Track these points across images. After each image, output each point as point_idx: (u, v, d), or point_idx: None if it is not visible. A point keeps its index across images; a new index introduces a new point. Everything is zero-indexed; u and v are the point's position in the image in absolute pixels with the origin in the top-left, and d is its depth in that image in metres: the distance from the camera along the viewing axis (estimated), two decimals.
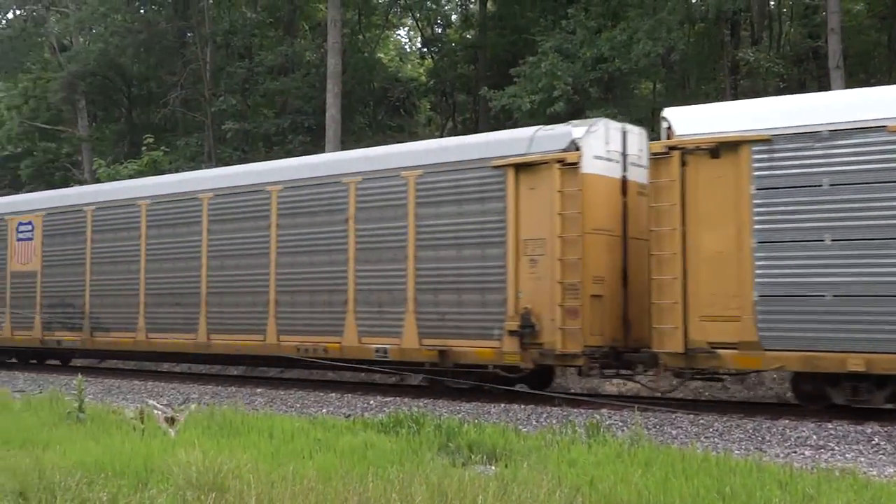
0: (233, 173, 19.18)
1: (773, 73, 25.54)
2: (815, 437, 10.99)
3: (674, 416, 12.50)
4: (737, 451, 10.01)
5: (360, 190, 16.08)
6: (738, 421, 12.12)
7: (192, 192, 18.84)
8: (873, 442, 10.63)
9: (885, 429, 11.18)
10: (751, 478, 7.67)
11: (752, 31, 29.34)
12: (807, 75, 28.13)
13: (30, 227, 22.26)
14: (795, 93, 22.80)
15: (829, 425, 11.56)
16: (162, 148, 31.38)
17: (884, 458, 9.90)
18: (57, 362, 24.13)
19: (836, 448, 10.40)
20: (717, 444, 10.62)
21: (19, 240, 22.49)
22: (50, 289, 21.62)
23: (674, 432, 11.57)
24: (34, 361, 24.28)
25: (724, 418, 12.33)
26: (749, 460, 8.56)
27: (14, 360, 23.88)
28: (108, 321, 20.15)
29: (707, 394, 15.92)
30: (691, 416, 12.53)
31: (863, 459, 9.73)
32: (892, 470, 9.08)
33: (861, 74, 26.96)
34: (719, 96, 26.42)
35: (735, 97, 25.01)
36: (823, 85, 23.94)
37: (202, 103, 34.04)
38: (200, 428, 10.46)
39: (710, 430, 11.67)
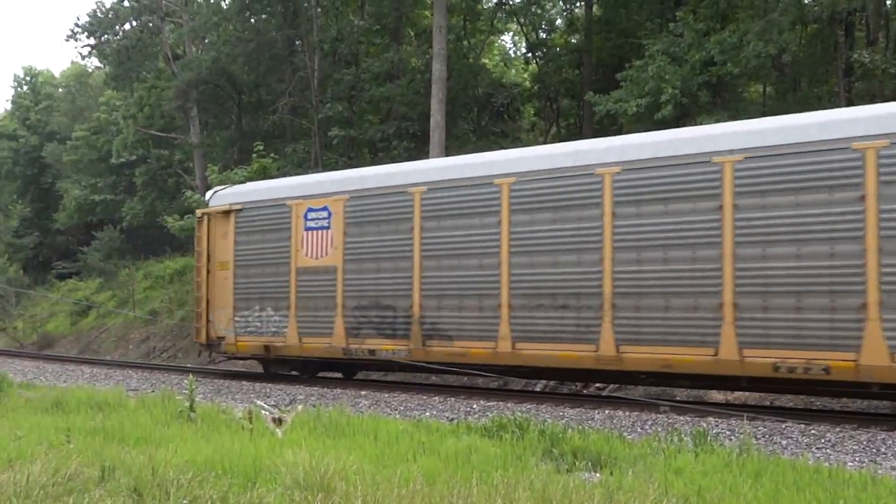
0: (650, 142, 14.70)
1: (890, 75, 24.74)
2: None
3: (784, 426, 12.20)
4: (850, 464, 9.71)
5: (888, 158, 12.31)
6: (852, 432, 11.78)
7: (588, 167, 14.90)
8: None
9: None
10: (865, 492, 7.44)
11: (867, 32, 28.46)
12: None
13: (325, 214, 18.40)
14: None
15: None
16: (271, 155, 31.99)
17: None
18: (338, 374, 20.77)
19: None
20: (830, 455, 10.33)
21: (308, 229, 18.64)
22: (357, 287, 17.79)
23: (784, 442, 11.29)
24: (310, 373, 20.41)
25: (837, 429, 11.99)
26: (863, 473, 8.29)
27: (294, 373, 20.19)
28: (451, 327, 16.39)
29: (818, 403, 15.49)
30: (802, 425, 12.22)
31: None
32: None
33: None
34: (833, 99, 25.73)
35: (849, 101, 24.32)
36: None
37: (309, 110, 34.61)
38: (307, 429, 10.60)
39: (822, 440, 11.36)
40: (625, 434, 11.40)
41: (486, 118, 36.09)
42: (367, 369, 20.40)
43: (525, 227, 15.48)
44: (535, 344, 15.23)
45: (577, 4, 37.59)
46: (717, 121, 20.47)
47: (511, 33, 45.19)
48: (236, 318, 19.85)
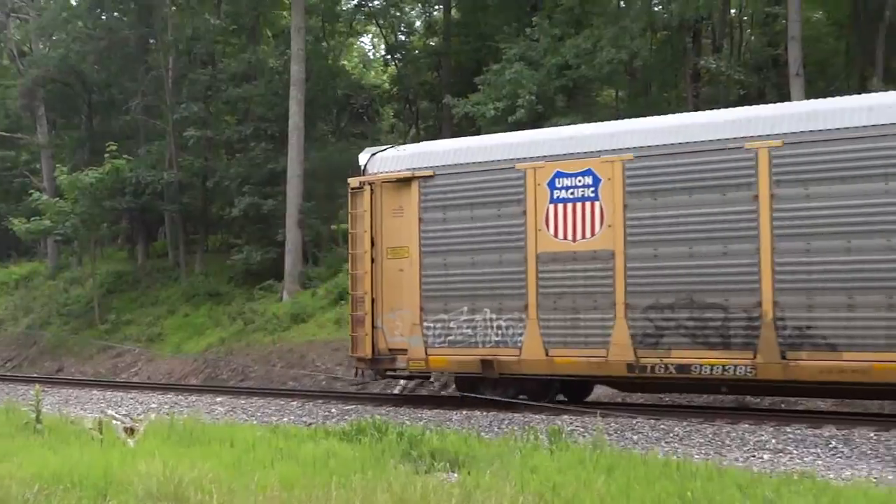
0: None
1: (734, 81, 25.83)
2: (773, 441, 11.10)
3: (635, 422, 12.56)
4: (697, 456, 10.08)
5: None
6: (698, 426, 12.21)
7: None
8: (831, 445, 10.77)
9: (843, 432, 11.33)
10: (711, 482, 7.73)
11: (713, 39, 29.65)
12: (767, 83, 28.46)
13: (588, 181, 13.67)
14: (755, 101, 23.07)
15: (788, 429, 11.69)
16: (124, 156, 31.14)
17: (841, 461, 10.03)
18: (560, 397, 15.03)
19: (795, 451, 10.53)
20: (678, 448, 10.69)
21: (558, 201, 13.85)
22: (652, 279, 13.14)
23: (635, 437, 11.64)
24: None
25: (685, 423, 12.41)
26: (709, 465, 8.62)
27: (522, 399, 14.57)
28: (834, 333, 11.96)
29: (668, 399, 16.00)
30: (652, 421, 12.59)
31: (820, 463, 9.85)
32: (849, 473, 9.19)
33: (820, 82, 27.32)
34: (681, 104, 26.66)
35: (696, 105, 25.24)
36: (783, 93, 24.23)
37: (164, 110, 33.85)
38: (160, 438, 10.35)
39: (671, 435, 11.76)
40: (482, 434, 11.54)
41: (345, 120, 35.98)
42: (666, 391, 15.37)
43: None
44: None
45: (436, 8, 37.88)
46: (573, 123, 20.95)
47: (370, 35, 45.23)
48: (427, 324, 14.84)
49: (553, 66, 24.68)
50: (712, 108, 18.06)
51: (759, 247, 12.36)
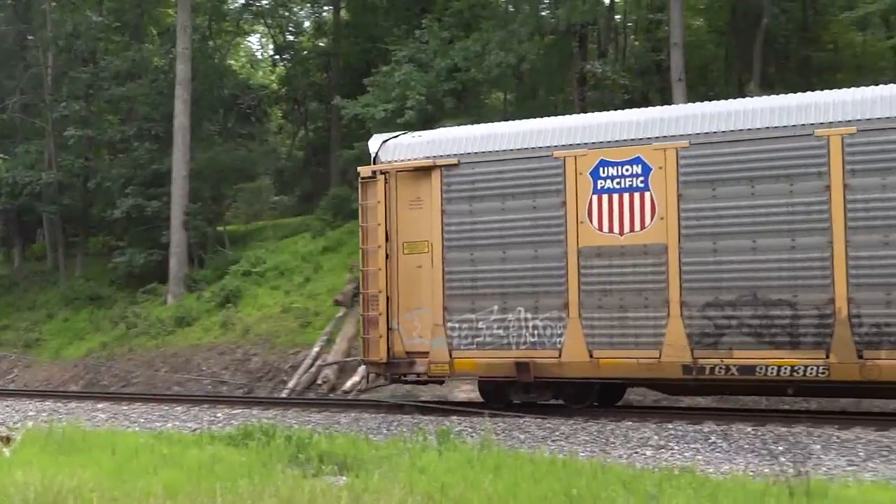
0: None
1: (619, 86, 26.39)
2: (656, 437, 11.38)
3: (522, 421, 12.70)
4: (582, 454, 10.27)
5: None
6: (584, 424, 12.42)
7: None
8: (710, 440, 11.10)
9: (722, 428, 11.68)
10: (596, 479, 7.87)
11: (599, 44, 30.23)
12: (650, 87, 29.16)
13: (637, 170, 12.77)
14: (639, 105, 23.59)
15: (670, 426, 11.99)
16: (0, 155, 30.13)
17: (720, 455, 10.35)
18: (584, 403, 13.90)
19: (676, 447, 10.81)
20: (564, 447, 10.86)
21: (602, 191, 12.88)
22: (710, 274, 12.31)
23: (522, 437, 11.78)
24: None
25: (570, 421, 12.60)
26: (594, 462, 8.80)
27: (558, 402, 13.89)
28: None
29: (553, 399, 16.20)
30: (539, 420, 12.75)
31: (701, 458, 10.15)
32: (728, 467, 9.48)
33: (701, 87, 28.12)
34: (568, 107, 27.09)
35: (583, 109, 25.69)
36: (666, 97, 24.86)
37: (43, 109, 32.89)
38: (38, 446, 10.06)
39: (557, 433, 11.94)
40: (371, 436, 11.54)
41: (232, 120, 35.55)
42: (725, 394, 14.28)
43: None
44: None
45: (325, 8, 37.70)
46: (462, 124, 21.08)
47: (258, 35, 44.76)
48: (451, 324, 13.72)
49: (442, 69, 24.82)
50: (599, 111, 18.33)
51: (832, 240, 11.68)
